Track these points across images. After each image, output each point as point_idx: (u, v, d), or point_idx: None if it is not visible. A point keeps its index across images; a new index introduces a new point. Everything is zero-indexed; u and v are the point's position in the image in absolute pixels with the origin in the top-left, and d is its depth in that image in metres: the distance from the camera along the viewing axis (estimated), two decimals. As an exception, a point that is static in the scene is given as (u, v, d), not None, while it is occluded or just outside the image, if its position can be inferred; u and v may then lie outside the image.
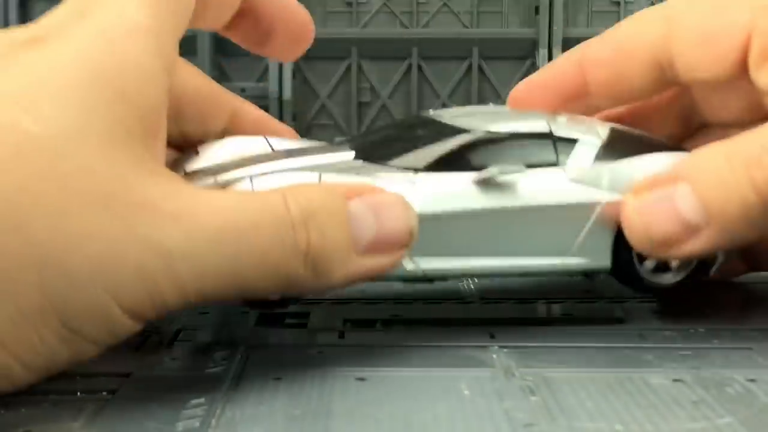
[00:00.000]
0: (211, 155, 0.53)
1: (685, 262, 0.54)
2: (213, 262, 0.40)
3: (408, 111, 1.23)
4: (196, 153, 0.53)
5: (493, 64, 1.22)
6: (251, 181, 0.48)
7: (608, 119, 0.60)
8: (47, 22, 0.43)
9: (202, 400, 0.41)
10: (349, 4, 1.24)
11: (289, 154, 0.53)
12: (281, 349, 0.49)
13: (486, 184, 0.51)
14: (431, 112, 0.58)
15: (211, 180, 0.50)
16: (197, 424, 0.39)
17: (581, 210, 0.52)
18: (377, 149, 0.54)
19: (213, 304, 0.42)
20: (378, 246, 0.45)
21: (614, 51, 0.57)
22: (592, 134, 0.54)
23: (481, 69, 1.22)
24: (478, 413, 0.40)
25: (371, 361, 0.47)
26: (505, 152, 0.53)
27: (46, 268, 0.38)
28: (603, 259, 0.53)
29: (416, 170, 0.51)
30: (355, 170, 0.51)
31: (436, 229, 0.51)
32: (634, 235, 0.51)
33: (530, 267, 0.53)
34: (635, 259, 0.53)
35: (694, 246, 0.50)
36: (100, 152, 0.39)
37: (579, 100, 0.59)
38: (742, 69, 0.54)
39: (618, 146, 0.54)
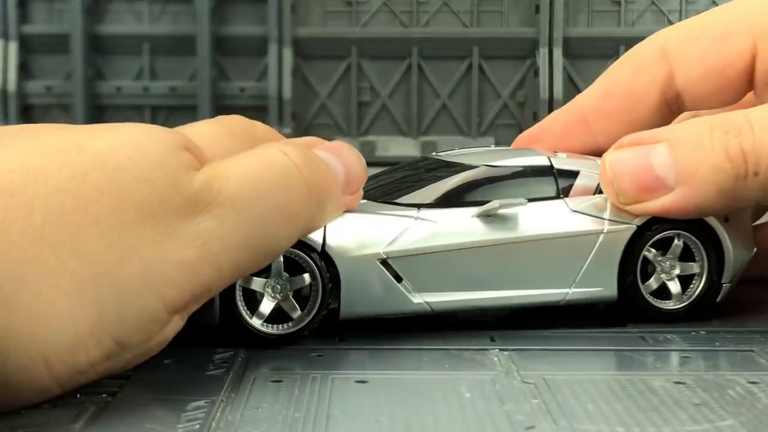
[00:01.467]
0: None
1: (686, 290, 0.55)
2: (240, 231, 0.42)
3: (408, 111, 1.23)
4: None
5: (494, 63, 1.22)
6: None
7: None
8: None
9: (202, 402, 0.41)
10: (349, 4, 1.24)
11: None
12: (281, 352, 0.49)
13: (488, 217, 0.52)
14: (434, 154, 0.59)
15: None
16: (197, 426, 0.39)
17: (584, 240, 0.53)
18: (383, 189, 0.55)
19: (249, 272, 0.46)
20: (349, 184, 0.50)
21: (619, 99, 0.58)
22: (592, 168, 0.55)
23: (481, 68, 1.21)
24: (479, 416, 0.40)
25: (371, 364, 0.47)
26: (507, 186, 0.54)
27: (103, 284, 0.39)
28: (609, 289, 0.54)
29: (419, 206, 0.52)
30: (360, 209, 0.52)
31: (441, 263, 0.52)
32: (604, 183, 0.52)
33: (535, 299, 0.53)
34: (640, 286, 0.54)
35: (663, 204, 0.51)
36: (156, 160, 0.41)
37: (585, 151, 0.59)
38: (747, 90, 0.55)
39: None
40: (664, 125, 0.58)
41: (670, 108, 0.57)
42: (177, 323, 0.42)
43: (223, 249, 0.42)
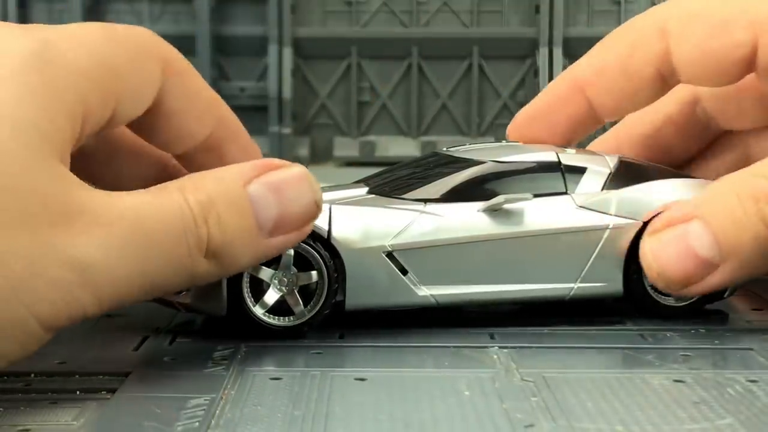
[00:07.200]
0: None
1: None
2: (125, 269, 0.41)
3: (408, 111, 1.23)
4: None
5: (493, 63, 1.22)
6: None
7: (630, 140, 0.62)
8: None
9: (201, 399, 0.41)
10: (349, 4, 1.24)
11: None
12: (281, 349, 0.49)
13: (493, 212, 0.52)
14: (445, 149, 0.59)
15: None
16: (196, 423, 0.39)
17: (590, 236, 0.53)
18: (391, 184, 0.55)
19: (127, 305, 0.43)
20: (283, 225, 0.45)
21: (615, 74, 0.57)
22: (600, 164, 0.55)
23: (481, 68, 1.22)
24: (478, 413, 0.40)
25: (371, 362, 0.47)
26: (514, 182, 0.54)
27: None
28: (614, 284, 0.54)
29: (426, 201, 0.53)
30: (366, 203, 0.52)
31: (447, 258, 0.52)
32: (653, 276, 0.51)
33: (540, 293, 0.54)
34: (646, 283, 0.54)
35: (713, 281, 0.51)
36: (22, 169, 0.39)
37: (587, 124, 0.59)
38: (744, 74, 0.55)
39: (626, 174, 0.55)
40: (659, 97, 0.58)
41: (666, 82, 0.57)
42: (47, 337, 0.40)
43: (106, 283, 0.40)
